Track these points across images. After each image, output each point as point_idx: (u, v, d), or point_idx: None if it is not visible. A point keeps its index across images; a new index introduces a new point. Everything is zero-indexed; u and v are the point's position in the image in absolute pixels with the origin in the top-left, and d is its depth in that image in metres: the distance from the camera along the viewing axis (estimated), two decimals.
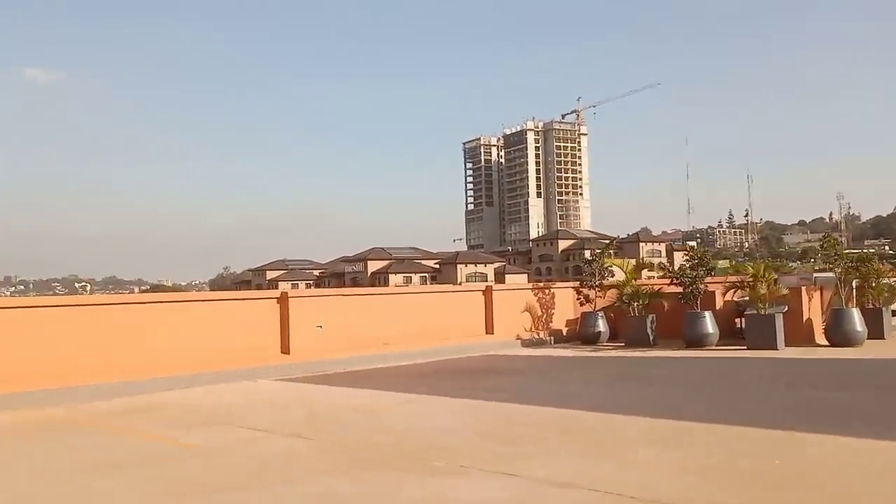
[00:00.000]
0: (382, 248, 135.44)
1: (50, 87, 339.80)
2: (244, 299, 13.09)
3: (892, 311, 15.31)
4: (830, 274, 14.71)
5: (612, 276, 16.44)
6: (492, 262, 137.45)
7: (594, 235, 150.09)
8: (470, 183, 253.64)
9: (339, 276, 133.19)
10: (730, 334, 14.76)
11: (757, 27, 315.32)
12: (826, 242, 15.07)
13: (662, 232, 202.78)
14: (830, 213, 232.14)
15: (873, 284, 14.87)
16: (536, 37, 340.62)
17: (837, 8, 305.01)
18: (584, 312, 16.18)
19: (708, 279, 15.04)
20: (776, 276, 14.54)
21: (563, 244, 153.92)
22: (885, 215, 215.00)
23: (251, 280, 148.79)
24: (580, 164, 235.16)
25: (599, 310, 15.98)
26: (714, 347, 13.99)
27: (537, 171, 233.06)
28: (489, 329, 15.41)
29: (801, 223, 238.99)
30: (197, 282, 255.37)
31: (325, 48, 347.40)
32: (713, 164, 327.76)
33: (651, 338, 14.73)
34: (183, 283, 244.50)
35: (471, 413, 7.96)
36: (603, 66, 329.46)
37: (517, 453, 5.88)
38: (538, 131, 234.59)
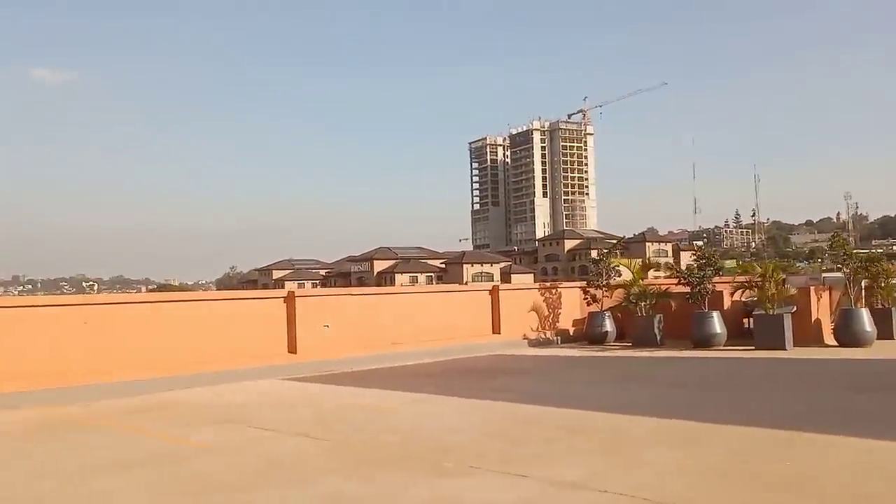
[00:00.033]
0: (388, 248, 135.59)
1: (60, 87, 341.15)
2: (251, 299, 13.09)
3: None
4: (839, 274, 14.65)
5: (619, 276, 16.40)
6: (498, 262, 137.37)
7: (600, 235, 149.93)
8: (476, 183, 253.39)
9: (346, 275, 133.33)
10: (738, 334, 14.70)
11: (760, 26, 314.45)
12: (835, 242, 15.00)
13: (669, 232, 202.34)
14: (838, 213, 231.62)
15: (882, 284, 14.78)
16: (542, 36, 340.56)
17: (839, 7, 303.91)
18: (591, 312, 16.14)
19: (716, 279, 14.98)
20: (784, 276, 14.48)
21: (569, 244, 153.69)
22: (892, 215, 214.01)
23: (258, 280, 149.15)
24: (586, 164, 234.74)
25: (606, 310, 15.94)
26: (722, 347, 13.93)
27: (543, 171, 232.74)
28: (496, 329, 15.38)
29: (809, 223, 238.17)
30: (203, 281, 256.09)
31: (326, 49, 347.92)
32: (719, 163, 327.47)
33: (658, 338, 14.68)
34: (190, 283, 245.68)
35: (478, 413, 7.94)
36: (609, 66, 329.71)
37: (526, 454, 5.85)
38: (544, 131, 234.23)
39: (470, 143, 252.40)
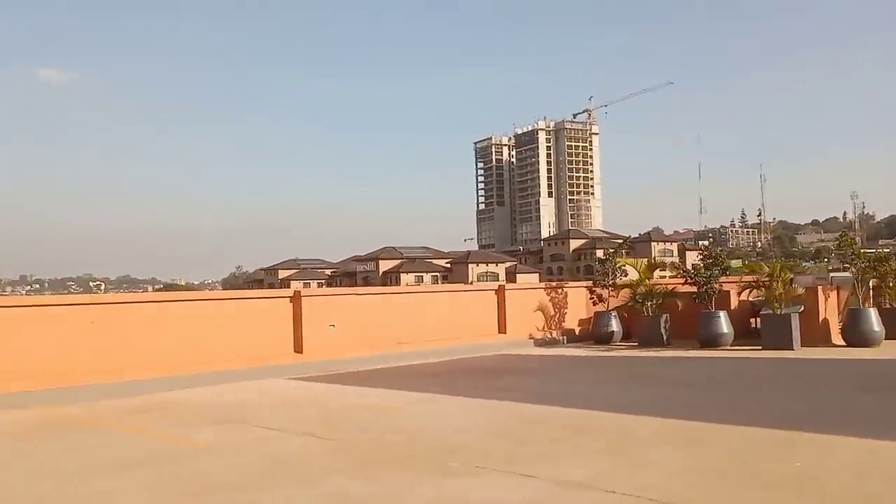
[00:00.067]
0: (394, 248, 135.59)
1: (65, 86, 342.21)
2: (257, 298, 13.10)
3: None
4: (847, 273, 14.57)
5: (626, 276, 16.36)
6: (503, 262, 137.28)
7: (606, 235, 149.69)
8: (481, 182, 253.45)
9: (351, 275, 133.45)
10: (745, 334, 14.64)
11: (760, 26, 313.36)
12: (843, 241, 14.90)
13: (674, 231, 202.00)
14: (844, 213, 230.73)
15: (891, 284, 14.68)
16: (542, 36, 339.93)
17: (839, 7, 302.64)
18: (597, 312, 16.11)
19: (722, 279, 14.93)
20: (792, 276, 14.41)
21: (574, 244, 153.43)
22: None
23: (263, 279, 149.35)
24: (591, 164, 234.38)
25: (612, 309, 15.90)
26: (729, 347, 13.88)
27: (548, 171, 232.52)
28: (502, 328, 15.36)
29: (815, 223, 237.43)
30: (209, 281, 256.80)
31: (326, 49, 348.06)
32: (725, 163, 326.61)
33: (665, 338, 14.63)
34: (196, 282, 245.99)
35: (484, 413, 7.92)
36: (610, 66, 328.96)
37: (532, 453, 5.84)
38: (549, 131, 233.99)
39: (475, 143, 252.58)
